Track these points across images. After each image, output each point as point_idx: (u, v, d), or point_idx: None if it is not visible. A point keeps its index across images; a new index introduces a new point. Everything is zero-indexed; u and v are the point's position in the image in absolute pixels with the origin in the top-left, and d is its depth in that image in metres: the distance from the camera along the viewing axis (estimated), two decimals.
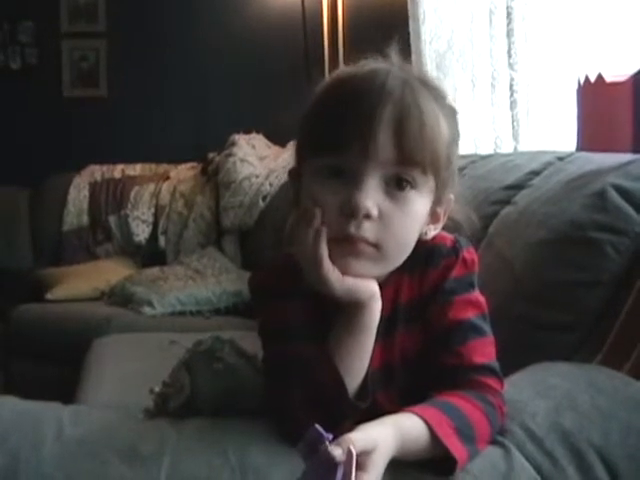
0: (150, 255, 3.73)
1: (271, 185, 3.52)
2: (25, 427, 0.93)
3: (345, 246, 0.90)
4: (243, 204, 3.54)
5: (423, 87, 0.94)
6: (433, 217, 0.98)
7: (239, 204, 3.54)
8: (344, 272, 0.91)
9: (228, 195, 3.59)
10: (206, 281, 3.16)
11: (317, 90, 0.97)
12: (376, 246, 0.91)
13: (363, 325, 0.92)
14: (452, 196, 0.99)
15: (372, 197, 0.90)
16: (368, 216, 0.89)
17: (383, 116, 0.89)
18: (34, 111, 4.08)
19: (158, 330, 2.63)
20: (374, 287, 0.93)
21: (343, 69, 0.98)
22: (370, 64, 0.96)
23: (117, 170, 4.02)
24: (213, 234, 3.67)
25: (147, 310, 2.94)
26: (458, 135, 0.98)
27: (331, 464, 0.77)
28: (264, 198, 3.50)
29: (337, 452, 0.77)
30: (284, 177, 3.51)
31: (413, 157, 0.91)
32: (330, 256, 0.90)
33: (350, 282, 0.91)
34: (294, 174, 0.99)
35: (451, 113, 0.97)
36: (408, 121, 0.90)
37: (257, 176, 3.57)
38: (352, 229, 0.89)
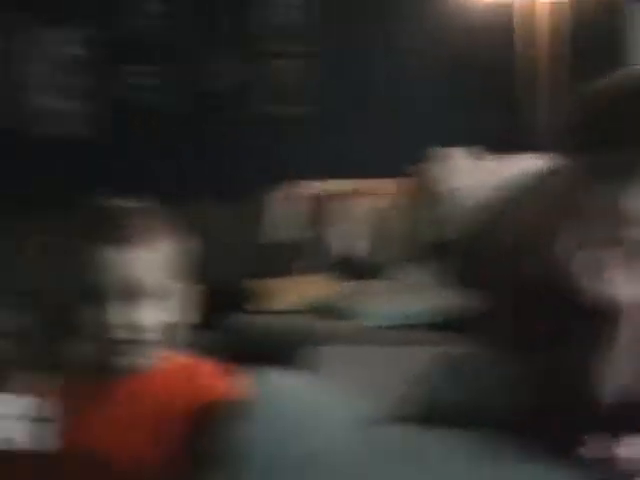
0: (354, 269, 3.77)
1: (477, 200, 3.45)
2: None
3: None
4: (448, 218, 3.50)
5: None
6: None
7: (444, 218, 3.51)
8: None
9: (436, 208, 3.58)
10: (415, 295, 3.15)
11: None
12: None
13: None
14: None
15: None
16: None
17: None
18: (240, 131, 4.24)
19: (369, 344, 2.64)
20: None
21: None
22: None
23: (318, 186, 4.10)
24: (419, 248, 3.66)
25: (356, 323, 2.97)
26: None
27: None
28: (469, 212, 3.43)
29: None
30: (488, 191, 3.43)
31: None
32: None
33: None
34: None
35: None
36: None
37: (461, 189, 3.53)
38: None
